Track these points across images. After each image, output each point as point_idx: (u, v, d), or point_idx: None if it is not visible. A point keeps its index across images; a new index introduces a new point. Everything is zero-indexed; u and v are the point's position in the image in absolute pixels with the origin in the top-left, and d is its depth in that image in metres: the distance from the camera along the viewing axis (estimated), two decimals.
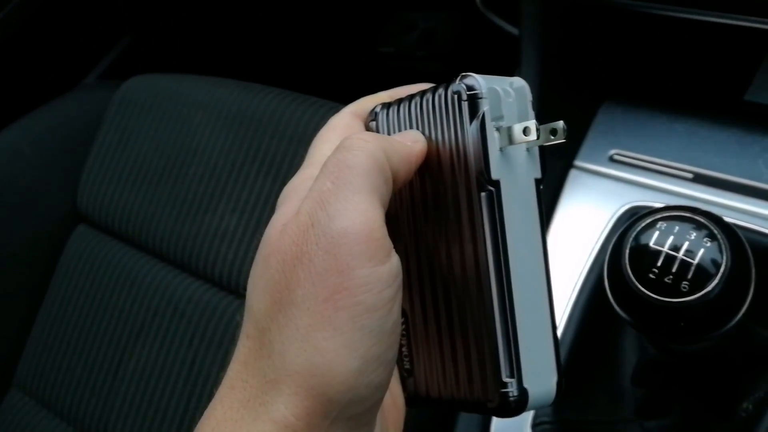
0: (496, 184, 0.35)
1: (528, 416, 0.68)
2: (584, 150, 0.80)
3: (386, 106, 0.39)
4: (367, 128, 0.40)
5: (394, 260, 0.34)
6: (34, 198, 1.07)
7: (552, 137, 0.35)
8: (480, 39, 1.42)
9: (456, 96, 0.36)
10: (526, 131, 0.35)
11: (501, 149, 0.35)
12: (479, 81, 0.35)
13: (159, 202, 1.00)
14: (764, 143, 0.74)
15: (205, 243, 0.95)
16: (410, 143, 0.37)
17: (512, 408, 0.35)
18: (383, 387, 0.34)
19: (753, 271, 0.51)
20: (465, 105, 0.35)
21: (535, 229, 0.36)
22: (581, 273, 0.73)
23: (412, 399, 0.39)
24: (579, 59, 0.84)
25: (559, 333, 0.70)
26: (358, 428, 0.34)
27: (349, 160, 0.34)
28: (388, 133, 0.39)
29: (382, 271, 0.33)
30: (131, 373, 0.94)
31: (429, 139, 0.37)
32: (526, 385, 0.35)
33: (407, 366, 0.39)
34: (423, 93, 0.37)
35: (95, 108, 1.11)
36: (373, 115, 0.40)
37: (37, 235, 1.07)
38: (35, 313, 1.04)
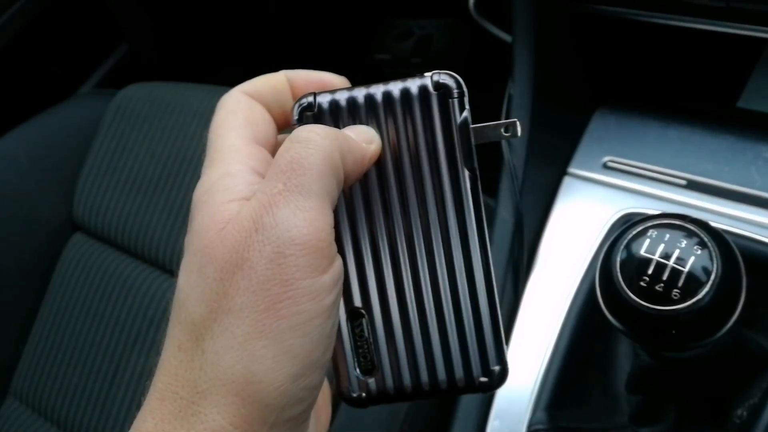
0: (477, 176, 0.37)
1: (523, 424, 0.68)
2: (578, 157, 0.80)
3: (326, 95, 0.38)
4: (301, 117, 0.37)
5: (337, 266, 0.33)
6: (30, 206, 1.07)
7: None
8: (474, 46, 1.42)
9: (442, 92, 0.36)
10: (507, 129, 0.37)
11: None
12: (459, 78, 0.37)
13: (155, 211, 1.00)
14: (756, 150, 0.74)
15: None
16: (365, 144, 0.36)
17: (496, 385, 0.38)
18: (319, 387, 0.34)
19: (744, 278, 0.51)
20: (455, 102, 0.36)
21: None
22: (575, 280, 0.73)
23: (374, 397, 0.39)
24: (572, 66, 0.84)
25: (553, 341, 0.71)
26: (296, 428, 0.33)
27: (304, 159, 0.33)
28: (336, 126, 0.37)
29: (325, 279, 0.32)
30: (127, 382, 0.94)
31: (391, 132, 0.37)
32: (506, 358, 0.38)
33: (365, 367, 0.38)
34: (379, 86, 0.37)
35: (91, 117, 1.11)
36: (306, 104, 0.37)
37: (33, 244, 1.06)
38: (32, 321, 1.04)
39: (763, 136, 0.75)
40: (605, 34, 0.81)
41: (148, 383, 0.35)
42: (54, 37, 1.27)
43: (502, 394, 0.70)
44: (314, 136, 0.34)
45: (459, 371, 0.38)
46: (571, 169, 0.79)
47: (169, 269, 0.97)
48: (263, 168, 0.36)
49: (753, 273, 0.53)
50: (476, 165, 0.37)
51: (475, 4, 0.96)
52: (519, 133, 0.37)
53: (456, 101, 0.37)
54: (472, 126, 0.37)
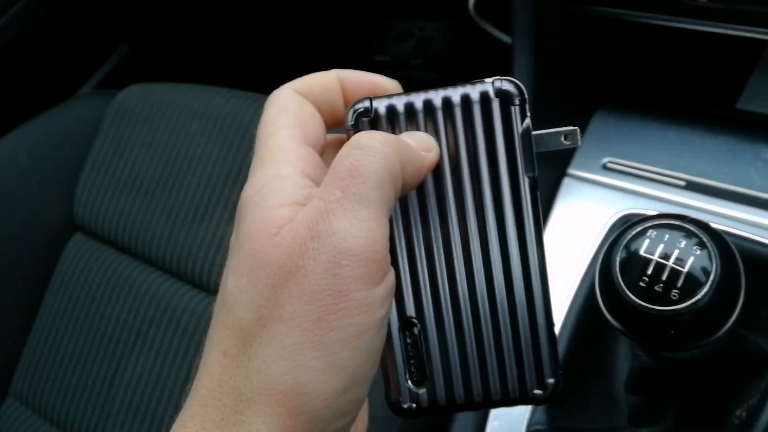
0: (537, 185, 0.36)
1: (522, 424, 0.68)
2: (577, 158, 0.80)
3: (383, 100, 0.37)
4: (357, 123, 0.37)
5: (390, 278, 0.33)
6: (30, 207, 1.07)
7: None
8: (474, 47, 1.43)
9: (504, 98, 0.36)
10: (567, 137, 0.37)
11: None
12: (521, 85, 0.36)
13: (155, 211, 1.00)
14: (756, 151, 0.74)
15: (200, 252, 0.95)
16: (424, 153, 0.35)
17: (552, 397, 0.37)
18: (363, 400, 0.34)
19: (743, 278, 0.52)
20: (516, 109, 0.36)
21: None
22: (575, 281, 0.73)
23: (425, 409, 0.38)
24: (572, 67, 0.84)
25: None
26: None
27: (364, 167, 0.32)
28: (392, 131, 0.36)
29: (378, 291, 0.32)
30: (127, 382, 0.94)
31: (449, 138, 0.36)
32: (560, 370, 0.38)
33: (417, 377, 0.38)
34: (438, 91, 0.36)
35: (91, 117, 1.11)
36: (363, 109, 0.37)
37: (33, 244, 1.07)
38: (32, 322, 1.04)
39: (763, 138, 0.75)
40: (605, 36, 0.81)
41: (188, 387, 0.34)
42: (54, 38, 1.27)
43: None
44: (375, 143, 0.33)
45: (513, 383, 0.37)
46: (571, 170, 0.79)
47: (170, 270, 0.97)
48: (313, 171, 0.35)
49: (752, 274, 0.53)
50: (536, 173, 0.36)
51: (475, 5, 0.96)
52: (579, 142, 0.37)
53: (518, 108, 0.36)
54: (533, 133, 0.36)
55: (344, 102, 0.38)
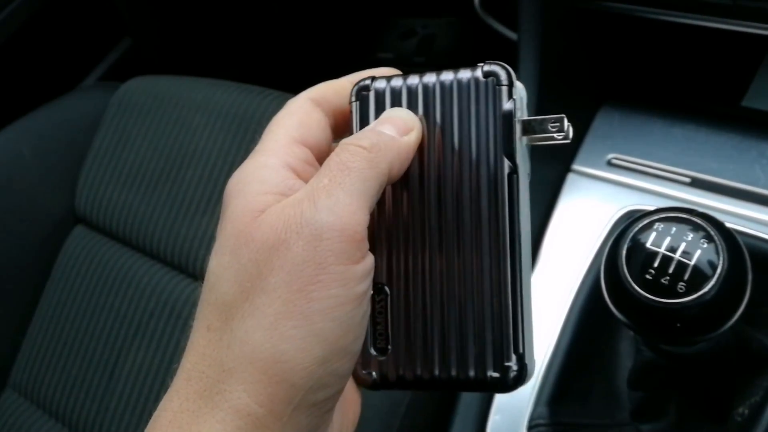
0: (517, 168, 0.36)
1: (524, 419, 0.68)
2: (582, 154, 0.80)
3: (382, 80, 0.39)
4: (355, 103, 0.39)
5: (368, 260, 0.34)
6: (32, 199, 1.07)
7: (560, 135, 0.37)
8: (478, 45, 1.43)
9: (492, 79, 0.37)
10: (554, 124, 0.37)
11: (520, 138, 0.37)
12: (510, 69, 0.37)
13: (157, 204, 1.00)
14: (761, 148, 0.74)
15: (202, 245, 0.95)
16: (406, 137, 0.37)
17: (510, 384, 0.36)
18: (346, 376, 0.34)
19: (749, 273, 0.51)
20: (503, 90, 0.37)
21: (527, 221, 0.37)
22: (578, 277, 0.73)
23: (384, 378, 0.38)
24: (577, 63, 0.84)
25: (555, 337, 0.71)
26: (320, 415, 0.34)
27: (352, 164, 0.34)
28: (381, 108, 0.39)
29: (356, 268, 0.33)
30: (127, 374, 0.94)
31: (438, 117, 0.38)
32: (526, 361, 0.36)
33: (380, 345, 0.38)
34: (432, 74, 0.38)
35: (94, 110, 1.11)
36: (363, 85, 0.39)
37: (34, 236, 1.06)
38: (32, 313, 1.04)
39: None
40: (610, 32, 0.81)
41: (174, 366, 0.35)
42: (58, 30, 1.27)
43: None
44: (362, 151, 0.35)
45: (472, 362, 0.36)
46: (576, 166, 0.79)
47: (171, 262, 0.97)
48: (302, 167, 0.37)
49: (756, 271, 0.52)
50: (517, 155, 0.36)
51: (481, 2, 0.96)
52: (566, 127, 0.37)
53: (504, 89, 0.37)
54: (519, 119, 0.37)
55: None
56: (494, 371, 0.36)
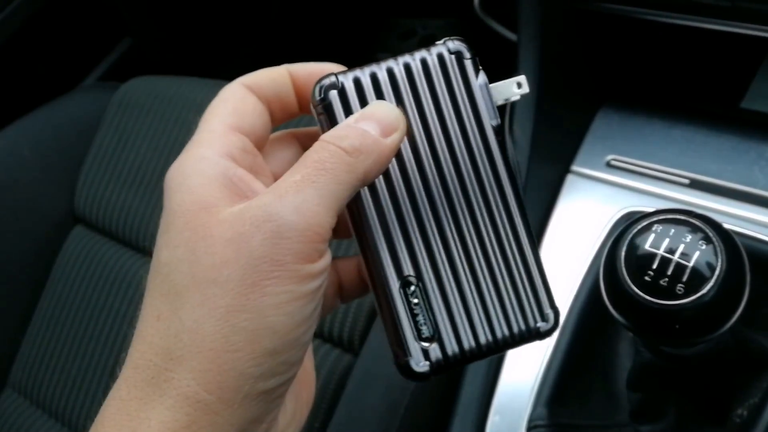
0: (503, 131, 0.39)
1: (523, 420, 0.68)
2: (581, 155, 0.80)
3: (348, 74, 0.38)
4: (325, 98, 0.37)
5: (326, 258, 0.34)
6: (31, 199, 1.07)
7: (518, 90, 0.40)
8: (478, 45, 1.43)
9: (456, 56, 0.39)
10: (519, 85, 0.40)
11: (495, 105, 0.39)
12: (467, 42, 0.39)
13: (156, 204, 1.00)
14: (760, 150, 0.74)
15: None
16: (389, 139, 0.36)
17: (553, 328, 0.40)
18: (297, 364, 0.34)
19: (748, 274, 0.51)
20: (469, 63, 0.39)
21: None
22: (577, 278, 0.73)
23: (439, 365, 0.39)
24: (577, 65, 0.84)
25: (554, 338, 0.71)
26: (271, 401, 0.34)
27: (329, 164, 0.34)
28: (360, 105, 0.38)
29: (313, 267, 0.33)
30: None
31: (415, 102, 0.38)
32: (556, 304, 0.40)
33: (426, 334, 0.38)
34: (396, 59, 0.38)
35: (94, 109, 1.11)
36: (329, 83, 0.38)
37: (34, 236, 1.06)
38: (31, 313, 1.04)
39: (767, 136, 0.75)
40: (610, 33, 0.81)
41: (123, 356, 0.35)
42: (58, 29, 1.27)
43: (502, 390, 0.70)
44: (343, 154, 0.35)
45: (517, 321, 0.39)
46: (575, 167, 0.79)
47: None
48: (240, 155, 0.37)
49: (755, 272, 0.52)
50: (499, 120, 0.39)
51: (480, 2, 0.96)
52: (527, 89, 0.40)
53: (470, 62, 0.39)
54: (490, 85, 0.39)
55: (296, 95, 0.40)
56: (541, 321, 0.39)
